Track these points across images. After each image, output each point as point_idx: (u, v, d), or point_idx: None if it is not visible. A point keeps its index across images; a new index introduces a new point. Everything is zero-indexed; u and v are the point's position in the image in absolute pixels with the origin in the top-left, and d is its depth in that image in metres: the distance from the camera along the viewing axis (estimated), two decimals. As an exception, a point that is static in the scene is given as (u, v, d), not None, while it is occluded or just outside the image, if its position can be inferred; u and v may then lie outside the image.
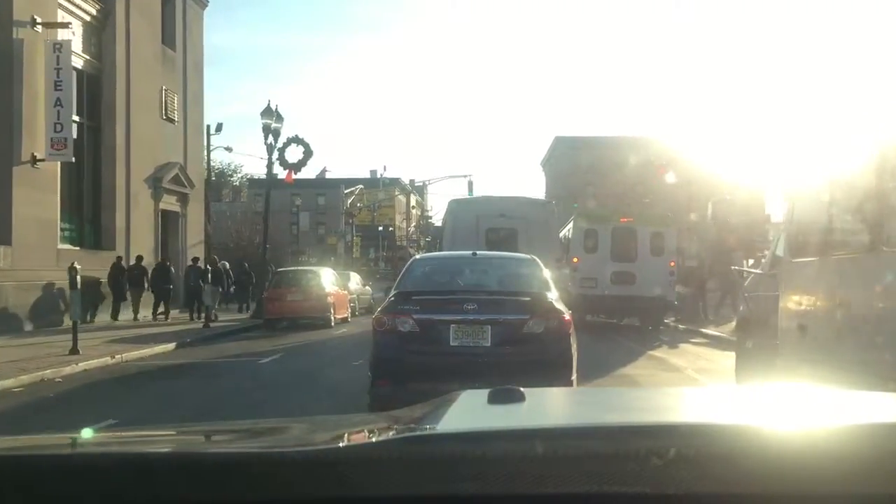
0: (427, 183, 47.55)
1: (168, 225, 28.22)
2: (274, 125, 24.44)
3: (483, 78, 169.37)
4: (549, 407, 2.01)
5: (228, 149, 46.85)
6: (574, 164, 71.92)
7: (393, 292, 8.02)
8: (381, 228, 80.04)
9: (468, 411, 1.75)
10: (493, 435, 1.36)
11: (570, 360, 7.23)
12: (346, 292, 23.74)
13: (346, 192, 49.07)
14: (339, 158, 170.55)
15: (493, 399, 1.67)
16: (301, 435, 1.78)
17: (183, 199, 28.49)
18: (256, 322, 22.15)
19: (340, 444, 1.45)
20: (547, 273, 8.48)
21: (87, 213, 23.44)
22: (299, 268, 24.82)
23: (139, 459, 1.39)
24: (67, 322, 19.98)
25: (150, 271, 22.98)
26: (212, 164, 66.81)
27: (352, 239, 52.27)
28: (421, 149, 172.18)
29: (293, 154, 24.95)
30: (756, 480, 1.17)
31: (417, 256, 9.87)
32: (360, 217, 72.77)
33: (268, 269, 25.17)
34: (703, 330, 20.20)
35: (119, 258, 22.71)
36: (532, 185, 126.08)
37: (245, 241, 43.64)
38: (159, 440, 1.85)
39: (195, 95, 30.04)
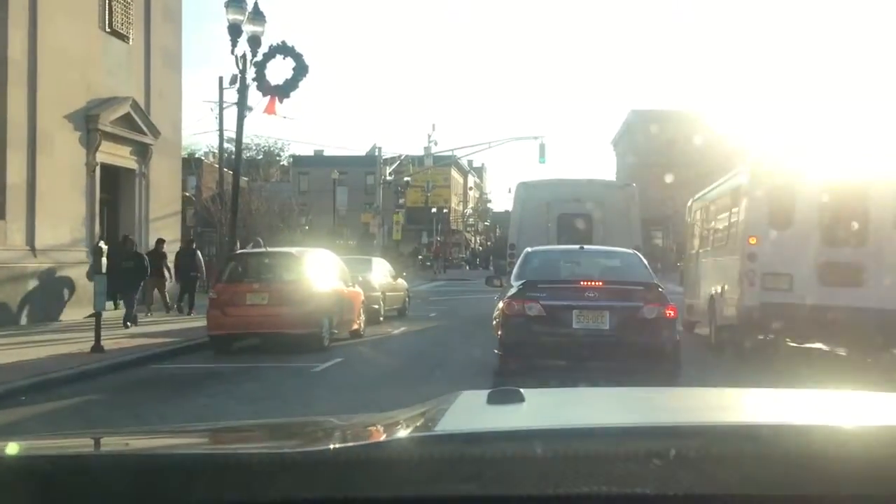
0: (489, 145, 38.38)
1: (118, 187, 19.88)
2: (251, 28, 15.47)
3: (549, 53, 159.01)
4: (548, 407, 1.93)
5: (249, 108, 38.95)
6: (651, 138, 65.55)
7: (519, 281, 8.89)
8: (434, 210, 71.48)
9: (468, 412, 1.72)
10: (492, 435, 1.37)
11: (678, 346, 8.62)
12: (357, 289, 14.90)
13: (384, 158, 39.89)
14: (394, 137, 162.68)
15: (493, 399, 1.66)
16: (302, 435, 1.76)
17: (140, 150, 20.01)
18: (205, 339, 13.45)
19: (341, 445, 1.46)
20: (648, 265, 9.69)
21: (-44, 161, 15.16)
22: (270, 249, 15.36)
23: (140, 460, 1.40)
24: None
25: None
26: (257, 142, 60.96)
27: (393, 218, 43.07)
28: (482, 128, 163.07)
29: (278, 71, 15.82)
30: (757, 482, 1.16)
31: (529, 249, 10.28)
32: (411, 198, 64.48)
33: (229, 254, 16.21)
34: None
35: (161, 240, 18.42)
36: (600, 167, 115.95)
37: (283, 223, 39.72)
38: (160, 441, 1.81)
39: (167, 9, 21.51)
